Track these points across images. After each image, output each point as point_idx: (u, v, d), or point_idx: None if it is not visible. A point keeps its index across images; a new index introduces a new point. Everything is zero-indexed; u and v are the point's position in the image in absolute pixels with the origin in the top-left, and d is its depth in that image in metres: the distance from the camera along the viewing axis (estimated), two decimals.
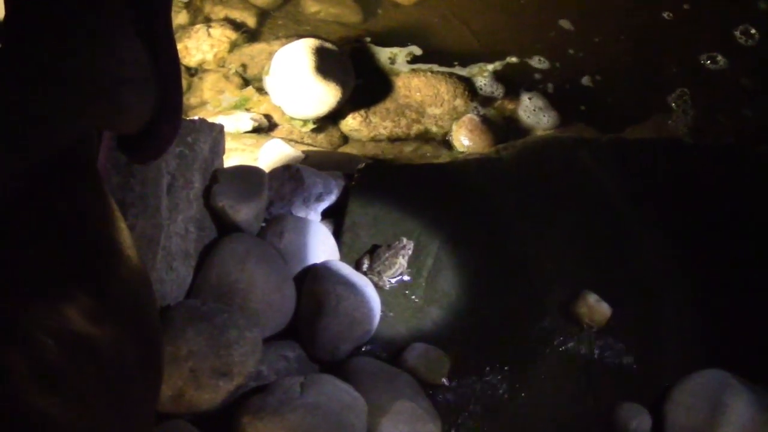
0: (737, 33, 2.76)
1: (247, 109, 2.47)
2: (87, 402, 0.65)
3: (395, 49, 2.68)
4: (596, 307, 1.77)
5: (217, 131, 1.75)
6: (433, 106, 2.54)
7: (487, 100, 2.59)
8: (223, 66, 2.56)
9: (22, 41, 0.78)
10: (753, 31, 2.77)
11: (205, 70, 2.55)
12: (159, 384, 0.85)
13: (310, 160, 2.16)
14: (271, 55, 2.52)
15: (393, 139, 2.49)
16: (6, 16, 0.83)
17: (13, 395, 0.59)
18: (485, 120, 2.51)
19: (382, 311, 1.73)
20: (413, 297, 1.78)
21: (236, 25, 2.66)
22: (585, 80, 2.66)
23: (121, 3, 0.86)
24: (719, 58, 2.71)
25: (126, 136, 0.93)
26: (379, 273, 1.77)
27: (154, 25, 0.90)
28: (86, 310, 0.69)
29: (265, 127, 2.43)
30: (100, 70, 0.79)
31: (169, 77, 0.91)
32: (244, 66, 2.55)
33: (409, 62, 2.65)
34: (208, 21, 2.67)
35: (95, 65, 0.79)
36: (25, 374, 0.60)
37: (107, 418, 0.67)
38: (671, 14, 2.83)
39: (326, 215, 1.89)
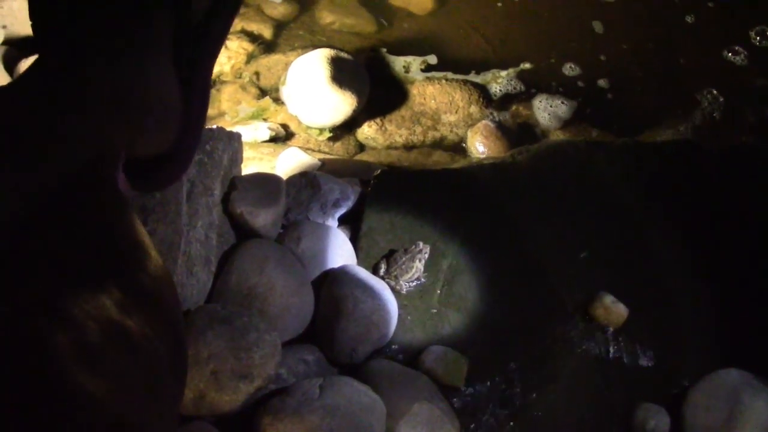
0: (752, 34, 2.76)
1: (264, 119, 2.50)
2: (125, 384, 0.67)
3: (410, 58, 2.71)
4: (613, 308, 1.78)
5: (236, 140, 1.78)
6: (448, 113, 2.56)
7: (501, 107, 2.61)
8: (240, 77, 2.60)
9: (49, 57, 0.80)
10: None
11: (223, 82, 2.59)
12: (184, 382, 0.86)
13: (326, 167, 2.19)
14: (287, 65, 2.56)
15: (408, 147, 2.52)
16: (36, 32, 0.85)
17: (60, 372, 0.61)
18: (500, 126, 2.53)
19: (399, 315, 1.74)
20: (430, 300, 1.80)
21: (253, 37, 2.70)
22: (601, 83, 2.68)
23: (161, 35, 0.87)
24: (740, 59, 2.71)
25: (133, 162, 0.94)
26: (396, 277, 1.78)
27: (196, 65, 0.92)
28: (119, 302, 0.71)
29: (282, 137, 2.46)
30: (127, 93, 0.81)
31: (193, 116, 0.93)
32: (257, 74, 2.59)
33: (423, 70, 2.68)
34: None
35: (123, 88, 0.80)
36: (69, 353, 0.62)
37: (143, 403, 0.69)
38: (693, 17, 2.84)
39: (343, 221, 1.92)
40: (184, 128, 0.92)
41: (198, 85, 0.93)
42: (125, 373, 0.67)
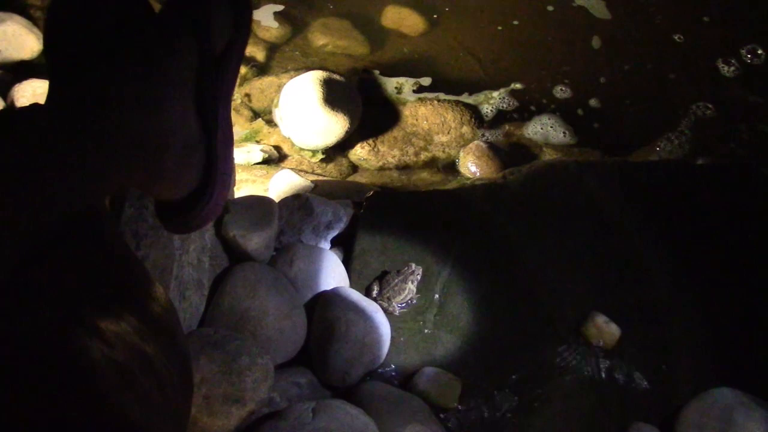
0: (743, 51, 2.79)
1: (258, 141, 2.51)
2: (154, 406, 0.67)
3: (402, 79, 2.73)
4: (605, 328, 1.79)
5: None
6: (440, 133, 2.58)
7: (493, 127, 2.63)
8: (234, 99, 2.61)
9: (70, 92, 0.79)
10: (760, 51, 2.80)
11: None
12: (191, 406, 0.87)
13: (319, 189, 2.20)
14: (280, 87, 2.57)
15: (401, 168, 2.53)
16: (50, 60, 0.85)
17: (99, 388, 0.61)
18: (492, 146, 2.54)
19: (392, 336, 1.75)
20: (423, 322, 1.80)
21: (246, 60, 2.71)
22: (592, 103, 2.70)
23: (185, 69, 0.87)
24: (732, 76, 2.74)
25: (165, 204, 0.94)
26: (388, 299, 1.79)
27: (218, 100, 0.91)
28: (137, 329, 0.71)
29: (275, 159, 2.47)
30: (146, 133, 0.80)
31: (217, 152, 0.92)
32: (248, 95, 2.60)
33: (415, 91, 2.70)
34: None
35: (142, 128, 0.79)
36: (106, 369, 0.63)
37: (167, 426, 0.70)
38: (686, 35, 2.86)
39: (336, 243, 1.92)
40: (208, 166, 0.91)
41: (220, 121, 0.92)
42: (153, 399, 0.68)
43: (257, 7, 2.85)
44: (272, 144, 2.51)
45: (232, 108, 2.50)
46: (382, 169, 2.51)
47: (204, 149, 0.90)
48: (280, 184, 2.19)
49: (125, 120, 0.77)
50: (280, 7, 2.86)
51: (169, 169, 0.84)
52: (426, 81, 2.74)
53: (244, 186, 2.20)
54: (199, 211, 0.92)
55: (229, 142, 0.94)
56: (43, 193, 0.67)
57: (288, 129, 2.49)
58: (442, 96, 2.69)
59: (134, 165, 0.79)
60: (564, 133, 2.60)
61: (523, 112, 2.67)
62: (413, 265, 1.81)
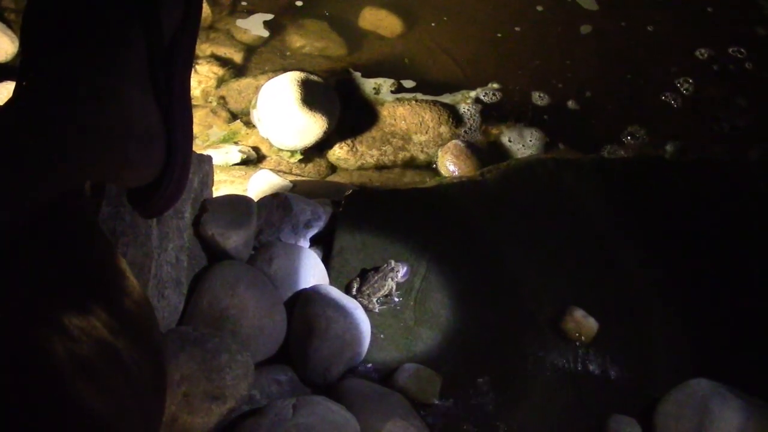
0: (731, 50, 2.83)
1: (236, 142, 2.51)
2: (119, 399, 0.67)
3: (380, 80, 2.74)
4: (583, 322, 1.80)
5: (206, 162, 1.79)
6: (418, 133, 2.59)
7: (471, 126, 2.64)
8: (210, 101, 2.61)
9: (32, 89, 0.80)
10: (741, 49, 2.84)
11: (194, 106, 2.59)
12: (165, 403, 0.87)
13: (298, 189, 2.20)
14: (257, 89, 2.57)
15: (380, 167, 2.53)
16: (22, 61, 0.86)
17: (61, 383, 0.61)
18: (470, 145, 2.55)
19: (372, 333, 1.75)
20: (403, 318, 1.81)
21: (223, 62, 2.71)
22: (569, 103, 2.72)
23: (138, 58, 0.88)
24: (711, 73, 2.78)
25: (134, 190, 0.95)
26: (368, 296, 1.79)
27: (172, 84, 0.92)
28: (107, 325, 0.71)
29: (254, 159, 2.47)
30: (108, 124, 0.80)
31: (178, 138, 0.93)
32: (223, 98, 2.60)
33: (393, 92, 2.71)
34: (195, 58, 2.72)
35: (104, 119, 0.80)
36: (69, 364, 0.62)
37: (134, 423, 0.69)
38: (653, 27, 2.90)
39: (315, 241, 1.92)
40: (169, 150, 0.92)
41: (177, 104, 0.93)
42: (118, 392, 0.68)
43: (246, 17, 2.85)
44: (250, 145, 2.51)
45: (209, 109, 2.50)
46: (360, 168, 2.52)
47: (165, 136, 0.92)
48: (259, 184, 2.19)
49: (89, 114, 0.78)
50: (270, 16, 2.86)
51: (133, 158, 0.85)
52: (404, 81, 2.75)
53: (223, 186, 2.20)
54: (160, 197, 0.93)
55: (187, 127, 0.95)
56: (5, 188, 0.67)
57: (266, 130, 2.49)
58: (419, 96, 2.70)
59: (99, 155, 0.80)
60: (541, 131, 2.62)
61: (501, 111, 2.69)
62: (392, 262, 1.82)
